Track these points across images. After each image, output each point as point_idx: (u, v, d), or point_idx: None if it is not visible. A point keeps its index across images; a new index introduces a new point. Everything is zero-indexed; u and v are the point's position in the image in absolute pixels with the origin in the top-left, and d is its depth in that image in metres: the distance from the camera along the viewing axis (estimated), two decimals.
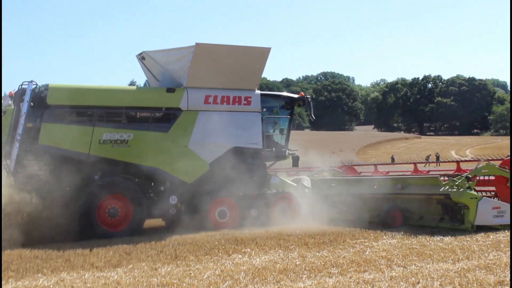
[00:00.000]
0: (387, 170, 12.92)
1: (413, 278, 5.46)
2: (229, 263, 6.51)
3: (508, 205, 8.99)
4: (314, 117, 11.35)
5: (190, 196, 9.99)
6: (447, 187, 9.22)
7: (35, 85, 9.28)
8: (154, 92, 10.52)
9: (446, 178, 9.47)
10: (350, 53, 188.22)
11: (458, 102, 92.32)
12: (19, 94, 9.35)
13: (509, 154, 10.38)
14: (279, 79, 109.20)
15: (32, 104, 9.18)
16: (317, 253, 7.04)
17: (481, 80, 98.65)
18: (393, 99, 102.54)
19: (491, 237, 8.07)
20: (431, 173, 12.22)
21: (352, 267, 6.05)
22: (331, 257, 6.72)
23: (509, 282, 5.26)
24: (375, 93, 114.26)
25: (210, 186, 10.10)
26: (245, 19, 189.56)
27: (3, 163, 9.51)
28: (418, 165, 13.05)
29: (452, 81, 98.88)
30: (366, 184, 10.91)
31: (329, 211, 10.59)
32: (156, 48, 10.88)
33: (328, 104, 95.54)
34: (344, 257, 6.73)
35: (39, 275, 6.10)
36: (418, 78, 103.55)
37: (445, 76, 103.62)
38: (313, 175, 12.71)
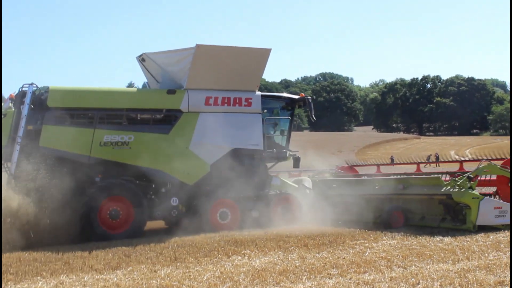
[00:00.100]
0: (391, 171, 12.87)
1: (413, 279, 5.44)
2: (228, 265, 6.50)
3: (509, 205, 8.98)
4: (315, 118, 11.35)
5: (191, 198, 9.98)
6: (449, 187, 9.21)
7: (35, 88, 9.27)
8: (154, 94, 10.52)
9: (448, 178, 9.45)
10: (348, 54, 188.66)
11: (457, 102, 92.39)
12: (20, 97, 9.35)
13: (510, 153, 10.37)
14: (278, 80, 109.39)
15: (32, 106, 9.18)
16: (316, 254, 7.03)
17: (480, 80, 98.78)
18: (392, 99, 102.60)
19: (491, 237, 8.06)
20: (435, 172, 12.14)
21: (352, 268, 6.03)
22: (330, 258, 6.71)
23: (509, 282, 5.24)
24: (374, 93, 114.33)
25: (211, 187, 10.09)
26: (243, 20, 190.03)
27: (4, 165, 9.50)
28: (418, 165, 13.02)
29: (451, 81, 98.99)
30: (368, 185, 10.90)
31: (331, 212, 10.57)
32: (155, 50, 10.91)
33: (327, 105, 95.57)
34: (344, 258, 6.72)
35: (38, 278, 6.08)
36: (417, 78, 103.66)
37: (444, 76, 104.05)
38: (314, 176, 12.69)
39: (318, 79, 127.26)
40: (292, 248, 7.56)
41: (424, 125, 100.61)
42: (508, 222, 8.83)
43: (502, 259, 6.37)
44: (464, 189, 9.01)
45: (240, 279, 5.67)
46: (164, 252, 7.53)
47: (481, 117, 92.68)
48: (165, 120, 10.11)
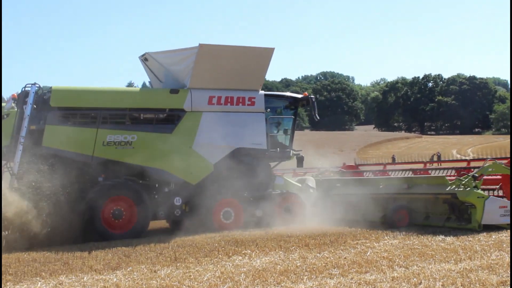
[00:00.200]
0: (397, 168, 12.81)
1: (415, 279, 5.40)
2: (229, 265, 6.47)
3: None
4: (318, 117, 11.32)
5: (195, 198, 9.94)
6: (454, 186, 9.18)
7: (38, 87, 9.25)
8: (157, 93, 10.50)
9: (454, 174, 9.39)
10: (349, 53, 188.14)
11: (459, 101, 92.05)
12: (22, 97, 9.33)
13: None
14: (278, 79, 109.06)
15: (35, 106, 9.15)
16: (318, 254, 7.00)
17: (482, 78, 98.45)
18: (394, 98, 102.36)
19: (493, 237, 8.01)
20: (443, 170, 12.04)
21: (353, 268, 6.00)
22: (332, 258, 6.67)
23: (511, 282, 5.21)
24: (375, 92, 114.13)
25: (215, 187, 10.05)
26: (243, 19, 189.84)
27: (7, 165, 9.48)
28: (420, 165, 12.98)
29: (452, 80, 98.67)
30: (372, 184, 10.87)
31: (334, 212, 10.54)
32: (155, 50, 10.91)
33: (328, 104, 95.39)
34: (345, 258, 6.69)
35: (38, 278, 6.06)
36: (418, 77, 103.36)
37: (446, 75, 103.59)
38: (317, 175, 12.66)
39: (319, 78, 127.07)
40: (293, 248, 7.53)
41: (425, 124, 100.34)
42: None
43: (504, 258, 6.33)
44: (469, 188, 8.98)
45: (241, 279, 5.64)
46: (164, 252, 7.51)
47: (483, 116, 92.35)
48: (168, 119, 10.09)
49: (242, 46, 10.55)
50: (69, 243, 8.49)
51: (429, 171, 11.57)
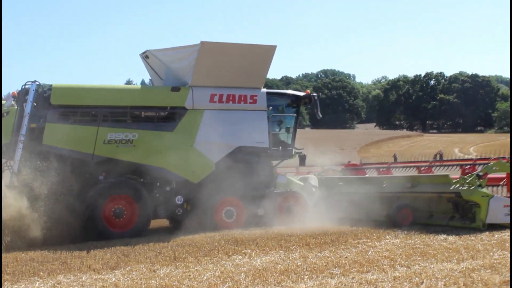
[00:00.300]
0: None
1: (416, 278, 5.38)
2: (229, 264, 6.43)
3: None
4: (321, 115, 11.25)
5: (196, 196, 9.88)
6: (458, 185, 9.12)
7: (38, 85, 9.18)
8: (158, 91, 10.42)
9: (468, 167, 9.31)
10: (350, 50, 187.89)
11: (461, 99, 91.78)
12: (22, 94, 9.26)
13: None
14: (278, 77, 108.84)
15: (35, 104, 9.08)
16: (318, 254, 6.95)
17: (484, 76, 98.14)
18: (395, 96, 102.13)
19: (496, 236, 7.96)
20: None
21: (354, 268, 5.97)
22: (333, 258, 6.64)
23: None
24: (376, 90, 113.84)
25: (216, 186, 10.00)
26: (244, 17, 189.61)
27: (7, 164, 9.42)
28: (423, 163, 12.88)
29: (454, 78, 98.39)
30: (375, 183, 10.81)
31: (337, 211, 10.49)
32: (153, 47, 10.86)
33: (328, 102, 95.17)
34: (346, 257, 6.65)
35: (36, 278, 6.01)
36: (420, 75, 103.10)
37: (448, 73, 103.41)
38: (319, 174, 12.60)
39: (319, 76, 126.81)
40: (294, 247, 7.48)
41: (427, 122, 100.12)
42: None
43: (507, 258, 6.29)
44: (473, 187, 8.93)
45: (241, 279, 5.60)
46: (163, 251, 7.45)
47: (486, 114, 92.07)
48: (170, 117, 10.02)
49: (244, 44, 10.48)
50: (68, 243, 8.43)
51: (432, 169, 11.49)
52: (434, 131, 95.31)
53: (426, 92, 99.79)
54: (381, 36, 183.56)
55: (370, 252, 6.93)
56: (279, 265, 6.26)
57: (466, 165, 10.09)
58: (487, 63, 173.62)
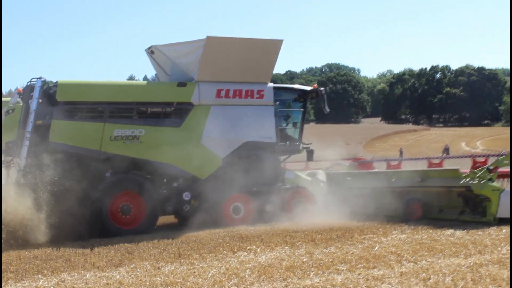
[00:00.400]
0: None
1: (424, 274, 5.34)
2: (234, 261, 6.39)
3: None
4: (328, 110, 11.15)
5: (204, 192, 9.82)
6: (468, 179, 9.02)
7: (43, 82, 9.13)
8: (165, 86, 10.35)
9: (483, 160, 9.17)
10: (355, 44, 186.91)
11: (467, 92, 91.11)
12: (28, 91, 9.22)
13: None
14: (282, 71, 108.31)
15: (41, 101, 9.03)
16: (324, 250, 6.91)
17: (491, 69, 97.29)
18: (400, 90, 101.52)
19: (503, 230, 7.88)
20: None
21: (360, 264, 5.93)
22: (339, 253, 6.59)
23: None
24: (381, 84, 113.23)
25: (224, 181, 9.93)
26: (247, 11, 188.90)
27: (13, 161, 9.40)
28: (432, 159, 12.75)
29: (461, 71, 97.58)
30: (384, 178, 10.71)
31: (346, 206, 10.41)
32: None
33: (333, 96, 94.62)
34: (352, 253, 6.60)
35: (39, 276, 5.98)
36: (425, 68, 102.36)
37: (454, 66, 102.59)
38: (327, 168, 12.52)
39: (324, 70, 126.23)
40: (299, 243, 7.43)
41: (433, 116, 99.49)
42: None
43: None
44: (484, 181, 8.83)
45: (246, 276, 5.56)
46: (167, 248, 7.40)
47: (493, 108, 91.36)
48: (176, 113, 9.95)
49: (251, 38, 10.38)
50: (71, 240, 8.38)
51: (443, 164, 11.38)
52: (441, 125, 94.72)
53: (432, 85, 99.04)
54: (386, 30, 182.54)
55: (376, 248, 6.88)
56: (285, 261, 6.22)
57: (478, 156, 9.95)
58: (494, 56, 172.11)
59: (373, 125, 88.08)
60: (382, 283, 5.08)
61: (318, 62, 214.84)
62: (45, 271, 6.19)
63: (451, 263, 5.79)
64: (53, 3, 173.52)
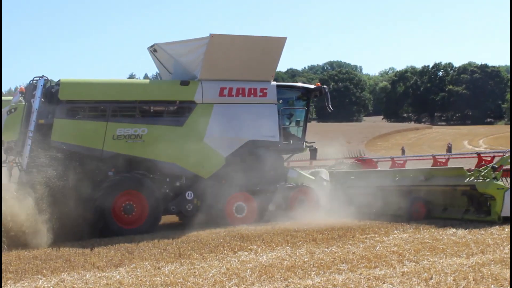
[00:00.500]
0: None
1: (425, 274, 5.31)
2: (234, 261, 6.36)
3: None
4: (332, 108, 11.09)
5: (207, 191, 9.78)
6: (473, 177, 8.97)
7: (46, 80, 9.10)
8: (168, 85, 10.32)
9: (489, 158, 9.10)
10: (357, 42, 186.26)
11: (470, 90, 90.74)
12: (30, 90, 9.18)
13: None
14: (284, 69, 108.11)
15: (43, 100, 9.00)
16: (325, 249, 6.88)
17: (494, 67, 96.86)
18: (403, 88, 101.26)
19: (506, 230, 7.85)
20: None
21: (362, 263, 5.90)
22: (340, 253, 6.57)
23: None
24: (383, 82, 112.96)
25: (227, 180, 9.89)
26: (247, 9, 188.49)
27: (15, 160, 9.38)
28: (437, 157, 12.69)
29: (463, 69, 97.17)
30: (387, 176, 10.66)
31: (349, 205, 10.38)
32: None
33: (335, 94, 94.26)
34: (353, 252, 6.57)
35: (39, 276, 5.94)
36: (428, 66, 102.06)
37: (457, 64, 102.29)
38: (330, 167, 12.47)
39: (325, 68, 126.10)
40: (300, 243, 7.40)
41: (436, 114, 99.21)
42: None
43: None
44: (488, 179, 8.78)
45: (247, 276, 5.53)
46: (168, 248, 7.37)
47: (496, 106, 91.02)
48: (179, 112, 9.91)
49: (254, 36, 10.34)
50: (72, 240, 8.34)
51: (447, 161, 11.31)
52: (443, 123, 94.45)
53: (434, 83, 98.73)
54: (388, 27, 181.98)
55: (378, 247, 6.86)
56: (286, 261, 6.20)
57: (484, 153, 9.89)
58: (497, 53, 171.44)
59: (375, 123, 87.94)
60: (383, 283, 5.06)
61: (319, 60, 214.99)
62: (44, 271, 6.16)
63: (453, 263, 5.77)
64: (53, 3, 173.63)
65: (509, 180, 9.67)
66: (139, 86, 10.36)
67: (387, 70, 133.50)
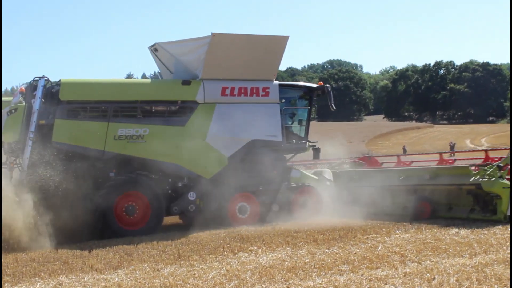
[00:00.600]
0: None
1: (428, 274, 5.28)
2: (234, 262, 6.32)
3: None
4: (334, 107, 11.02)
5: (209, 192, 9.71)
6: (478, 176, 8.90)
7: (46, 81, 9.03)
8: (169, 85, 10.24)
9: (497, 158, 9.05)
10: (357, 40, 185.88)
11: (472, 88, 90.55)
12: (30, 90, 9.12)
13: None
14: (283, 68, 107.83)
15: (44, 100, 8.93)
16: (326, 250, 6.84)
17: (496, 65, 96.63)
18: (404, 87, 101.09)
19: (509, 230, 7.80)
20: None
21: (363, 264, 5.87)
22: (341, 254, 6.53)
23: None
24: (384, 81, 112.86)
25: (230, 181, 9.82)
26: (247, 7, 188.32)
27: (16, 161, 9.31)
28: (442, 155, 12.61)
29: (465, 67, 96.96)
30: (391, 176, 10.59)
31: (353, 204, 10.31)
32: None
33: (335, 93, 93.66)
34: (355, 253, 6.54)
35: (36, 279, 5.90)
36: (429, 64, 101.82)
37: (458, 62, 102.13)
38: (334, 167, 12.39)
39: (325, 66, 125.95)
40: (301, 243, 7.35)
41: (437, 113, 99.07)
42: None
43: None
44: (494, 178, 8.71)
45: (247, 277, 5.50)
46: (167, 250, 7.32)
47: (498, 104, 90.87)
48: (181, 112, 9.84)
49: (256, 35, 10.25)
50: (70, 242, 8.26)
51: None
52: (445, 122, 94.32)
53: (435, 82, 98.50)
54: (389, 25, 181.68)
55: (379, 248, 6.81)
56: (286, 262, 6.15)
57: (494, 149, 9.82)
58: (499, 51, 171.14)
59: (376, 122, 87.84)
60: (385, 284, 5.03)
61: (319, 58, 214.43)
62: (42, 273, 6.11)
63: (455, 263, 5.74)
64: (53, 3, 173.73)
65: None
66: (140, 86, 10.28)
67: (387, 69, 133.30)
